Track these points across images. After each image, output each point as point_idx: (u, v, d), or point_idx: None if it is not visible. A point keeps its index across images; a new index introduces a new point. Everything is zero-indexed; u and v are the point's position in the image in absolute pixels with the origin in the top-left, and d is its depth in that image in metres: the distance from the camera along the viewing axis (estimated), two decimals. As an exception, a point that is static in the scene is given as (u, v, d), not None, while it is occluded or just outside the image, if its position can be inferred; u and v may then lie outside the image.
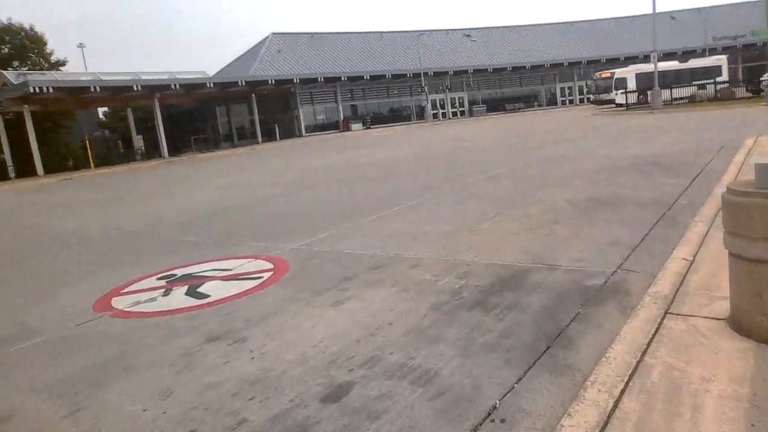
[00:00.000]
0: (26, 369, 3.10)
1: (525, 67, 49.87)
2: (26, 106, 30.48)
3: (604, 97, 36.28)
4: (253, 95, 39.56)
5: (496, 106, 50.52)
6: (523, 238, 4.66)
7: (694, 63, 38.35)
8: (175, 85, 34.02)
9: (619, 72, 36.95)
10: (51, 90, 29.85)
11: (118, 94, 33.53)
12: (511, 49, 52.39)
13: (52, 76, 33.46)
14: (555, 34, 55.71)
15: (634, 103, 33.37)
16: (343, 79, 43.38)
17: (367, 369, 2.56)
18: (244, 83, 37.76)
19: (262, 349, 2.92)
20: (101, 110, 45.59)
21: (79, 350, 3.28)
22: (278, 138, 41.48)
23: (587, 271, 3.62)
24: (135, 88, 32.60)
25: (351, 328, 3.09)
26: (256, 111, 40.41)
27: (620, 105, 33.76)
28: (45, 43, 38.32)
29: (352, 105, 46.92)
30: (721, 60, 38.33)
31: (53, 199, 15.43)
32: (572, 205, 5.76)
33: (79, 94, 32.25)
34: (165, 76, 34.79)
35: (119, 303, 4.15)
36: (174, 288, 4.39)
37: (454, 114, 50.37)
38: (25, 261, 6.65)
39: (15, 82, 30.21)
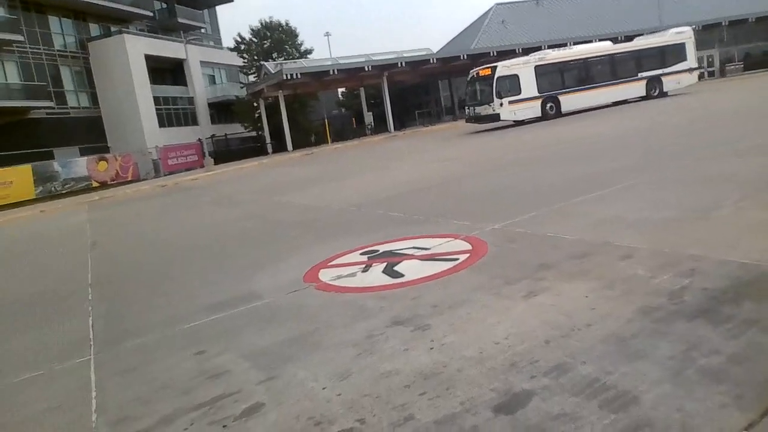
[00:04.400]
0: (242, 331, 3.51)
1: (806, 9, 40.15)
2: (281, 91, 35.25)
3: (483, 111, 21.55)
4: (475, 68, 39.45)
5: (757, 62, 41.75)
6: (779, 231, 3.66)
7: (642, 42, 24.58)
8: (401, 63, 35.76)
9: (503, 66, 21.43)
10: (299, 76, 33.97)
11: (352, 75, 36.59)
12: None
13: (300, 63, 38.01)
14: None
15: (537, 118, 21.50)
16: (569, 44, 40.43)
17: (552, 379, 2.24)
18: (465, 57, 37.83)
19: (442, 340, 2.80)
20: (340, 90, 50.45)
21: (284, 320, 3.59)
22: (498, 109, 40.84)
23: None
24: (366, 69, 35.19)
25: (540, 327, 2.77)
26: (477, 83, 40.28)
27: (519, 122, 21.62)
28: (297, 36, 43.73)
29: (579, 72, 43.60)
30: (685, 34, 24.32)
31: (293, 174, 17.61)
32: None
33: (322, 78, 36.05)
34: (392, 56, 36.79)
35: (324, 275, 4.45)
36: (373, 264, 4.54)
37: (701, 75, 43.20)
38: (266, 231, 7.67)
39: (272, 72, 35.17)
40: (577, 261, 3.71)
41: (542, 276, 3.53)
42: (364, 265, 4.55)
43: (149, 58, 37.48)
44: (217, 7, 52.19)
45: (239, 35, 42.80)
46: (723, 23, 41.34)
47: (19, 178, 25.76)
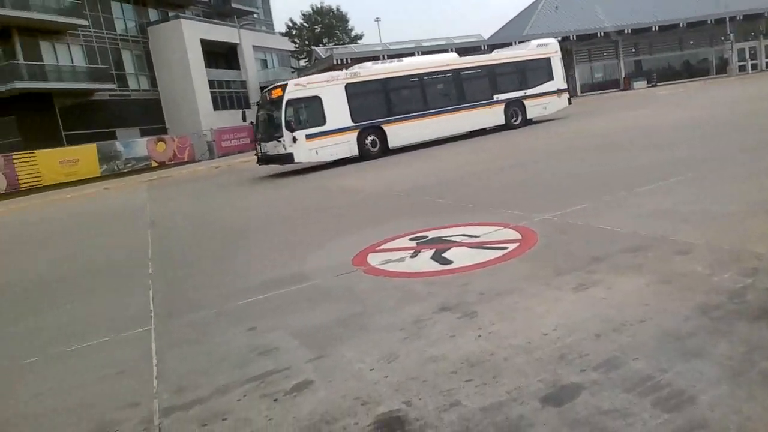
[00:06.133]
0: (292, 310, 3.61)
1: None
2: (330, 76, 35.44)
3: (273, 149, 14.30)
4: (527, 54, 38.56)
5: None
6: None
7: (496, 57, 18.92)
8: (450, 49, 35.25)
9: (297, 85, 14.33)
10: (349, 61, 34.06)
11: (401, 61, 36.38)
12: None
13: (351, 49, 38.08)
14: None
15: (353, 157, 14.95)
16: (626, 32, 38.75)
17: (602, 373, 2.21)
18: (516, 43, 37.00)
19: (489, 328, 2.80)
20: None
21: (332, 301, 3.67)
22: (550, 97, 39.90)
23: None
24: (416, 54, 34.90)
25: (591, 320, 2.72)
26: (529, 70, 39.42)
27: (337, 160, 14.99)
28: (347, 21, 43.88)
29: (635, 60, 41.91)
30: (549, 47, 19.48)
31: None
32: None
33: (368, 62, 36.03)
34: (442, 42, 36.36)
35: (373, 259, 4.51)
36: (422, 250, 4.56)
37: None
38: (315, 212, 7.81)
39: (323, 56, 35.41)
40: (631, 255, 3.62)
41: (594, 269, 3.46)
42: (412, 251, 4.58)
43: (204, 43, 38.38)
44: (271, -8, 52.77)
45: (291, 20, 43.48)
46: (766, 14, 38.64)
47: (85, 156, 27.03)
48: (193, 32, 37.80)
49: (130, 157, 29.48)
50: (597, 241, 4.09)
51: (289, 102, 13.69)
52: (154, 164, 30.18)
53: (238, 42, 35.46)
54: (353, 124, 14.74)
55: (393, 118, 15.53)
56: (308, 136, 13.88)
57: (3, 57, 29.62)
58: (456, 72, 17.26)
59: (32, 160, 24.58)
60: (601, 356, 2.34)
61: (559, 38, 23.88)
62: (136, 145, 30.46)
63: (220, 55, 41.92)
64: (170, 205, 12.60)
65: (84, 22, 32.24)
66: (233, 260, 5.55)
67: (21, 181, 23.95)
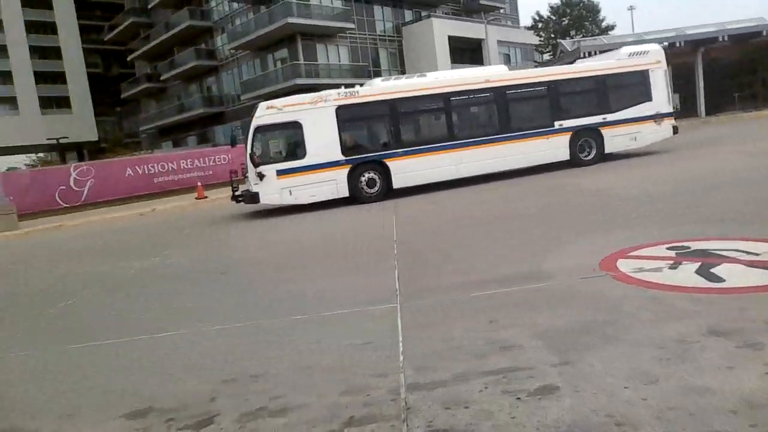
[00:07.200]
0: (533, 308, 3.50)
1: None
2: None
3: (244, 184, 11.79)
4: (828, 41, 31.06)
5: None
6: None
7: (566, 70, 13.29)
8: (722, 37, 30.52)
9: (270, 108, 10.61)
10: (598, 53, 31.82)
11: (659, 51, 32.62)
12: None
13: (600, 40, 35.48)
14: None
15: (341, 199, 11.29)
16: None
17: None
18: (667, 44, 30.07)
19: (781, 367, 2.32)
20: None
21: (578, 304, 3.46)
22: None
23: None
24: (678, 45, 30.90)
25: None
26: (825, 61, 31.76)
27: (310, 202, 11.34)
28: (598, 11, 41.06)
29: None
30: (648, 56, 12.97)
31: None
32: None
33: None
34: (712, 28, 31.62)
35: (623, 265, 4.12)
36: (684, 262, 4.01)
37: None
38: (556, 210, 7.51)
39: (569, 49, 33.69)
40: None
41: None
42: (672, 261, 4.06)
43: (452, 39, 39.86)
44: (519, -14, 52.19)
45: (537, 13, 42.27)
46: None
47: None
48: (442, 29, 39.58)
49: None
50: None
51: (258, 129, 11.18)
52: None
53: (483, 37, 35.97)
54: (343, 159, 11.61)
55: (401, 151, 12.00)
56: (280, 172, 11.31)
57: (288, 58, 35.11)
58: (499, 91, 12.80)
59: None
60: None
61: None
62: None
63: (466, 51, 43.06)
64: (409, 193, 13.43)
65: (352, 26, 36.32)
66: (472, 249, 5.64)
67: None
